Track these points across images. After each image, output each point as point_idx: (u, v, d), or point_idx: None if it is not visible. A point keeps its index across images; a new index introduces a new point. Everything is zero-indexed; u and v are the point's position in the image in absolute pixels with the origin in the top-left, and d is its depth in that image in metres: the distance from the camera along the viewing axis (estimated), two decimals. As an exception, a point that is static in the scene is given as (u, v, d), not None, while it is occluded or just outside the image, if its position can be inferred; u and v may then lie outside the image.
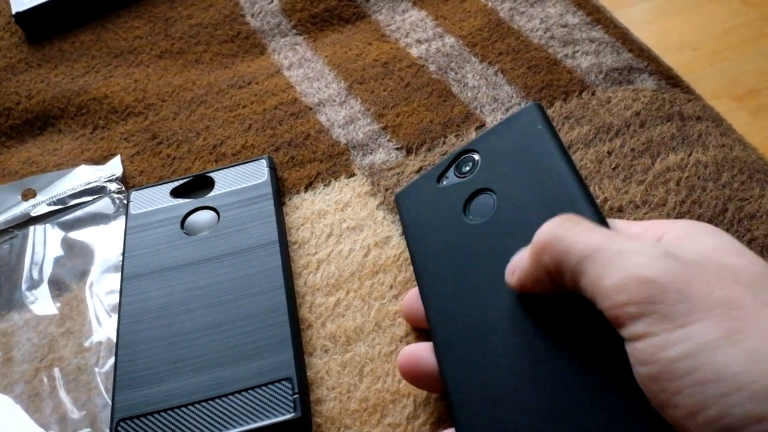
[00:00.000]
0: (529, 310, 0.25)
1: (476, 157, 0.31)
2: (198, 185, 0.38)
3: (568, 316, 0.24)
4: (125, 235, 0.36)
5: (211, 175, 0.39)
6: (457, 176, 0.31)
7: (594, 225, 0.23)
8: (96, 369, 0.32)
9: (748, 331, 0.18)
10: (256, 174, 0.38)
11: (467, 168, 0.31)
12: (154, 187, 0.39)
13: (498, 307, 0.26)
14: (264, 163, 0.39)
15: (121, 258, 0.36)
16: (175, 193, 0.38)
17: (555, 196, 0.26)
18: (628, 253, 0.21)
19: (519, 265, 0.24)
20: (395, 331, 0.32)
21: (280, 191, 0.39)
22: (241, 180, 0.38)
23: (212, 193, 0.38)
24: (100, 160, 0.43)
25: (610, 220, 0.25)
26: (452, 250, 0.29)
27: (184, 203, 0.37)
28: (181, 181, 0.39)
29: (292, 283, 0.34)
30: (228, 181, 0.38)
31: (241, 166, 0.39)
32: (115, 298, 0.35)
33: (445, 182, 0.32)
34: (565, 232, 0.22)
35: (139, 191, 0.39)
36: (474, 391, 0.25)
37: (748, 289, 0.19)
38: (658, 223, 0.24)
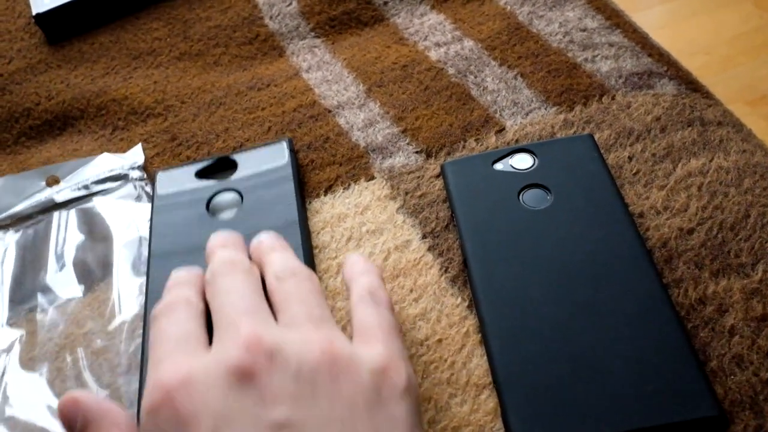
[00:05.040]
0: (578, 287, 0.29)
1: (533, 157, 0.36)
2: (221, 167, 0.39)
3: (615, 290, 0.30)
4: (152, 214, 0.37)
5: (233, 157, 0.39)
6: (512, 167, 0.36)
7: None
8: (120, 349, 0.33)
9: None
10: (277, 156, 0.39)
11: (524, 163, 0.36)
12: (180, 169, 0.39)
13: (546, 282, 0.31)
14: (284, 145, 0.39)
15: (142, 242, 0.37)
16: (200, 174, 0.39)
17: (604, 212, 0.33)
18: None
19: None
20: (415, 335, 0.32)
21: (301, 173, 0.39)
22: (263, 162, 0.39)
23: (235, 176, 0.38)
24: (120, 161, 0.43)
25: None
26: (504, 225, 0.33)
27: (209, 185, 0.38)
28: (205, 163, 0.39)
29: (313, 262, 0.34)
30: (250, 163, 0.39)
31: (263, 148, 0.39)
32: (137, 281, 0.35)
33: (500, 167, 0.36)
34: None
35: (165, 172, 0.40)
36: (520, 359, 0.28)
37: None
38: None
